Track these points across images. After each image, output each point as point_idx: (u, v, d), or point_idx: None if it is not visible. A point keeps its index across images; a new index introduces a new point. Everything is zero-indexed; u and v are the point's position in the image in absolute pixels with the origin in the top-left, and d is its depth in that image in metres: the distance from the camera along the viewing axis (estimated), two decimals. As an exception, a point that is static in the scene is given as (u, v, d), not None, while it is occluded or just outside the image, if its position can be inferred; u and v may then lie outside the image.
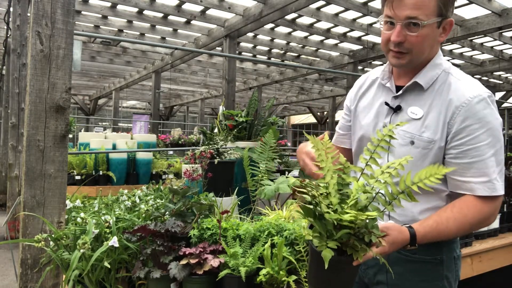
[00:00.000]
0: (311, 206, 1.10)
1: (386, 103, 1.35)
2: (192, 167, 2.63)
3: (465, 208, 1.21)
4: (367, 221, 1.07)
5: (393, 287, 1.35)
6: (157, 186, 3.53)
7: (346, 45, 8.57)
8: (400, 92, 1.33)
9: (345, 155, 1.48)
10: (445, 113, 1.24)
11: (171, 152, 9.33)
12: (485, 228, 3.22)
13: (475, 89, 1.24)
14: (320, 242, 1.05)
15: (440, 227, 1.19)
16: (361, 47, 8.38)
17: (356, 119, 1.47)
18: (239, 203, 2.55)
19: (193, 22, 7.14)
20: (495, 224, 3.31)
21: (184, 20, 7.06)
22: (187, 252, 1.84)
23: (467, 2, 5.91)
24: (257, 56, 9.16)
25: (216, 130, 3.39)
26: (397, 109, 1.32)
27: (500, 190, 1.20)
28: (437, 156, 1.26)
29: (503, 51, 8.75)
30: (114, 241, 1.86)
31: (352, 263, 1.05)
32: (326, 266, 1.00)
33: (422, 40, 1.25)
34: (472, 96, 1.23)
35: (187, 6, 6.49)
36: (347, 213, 1.01)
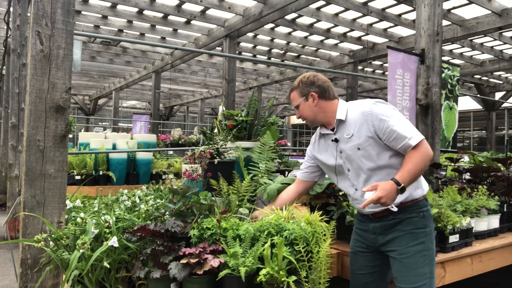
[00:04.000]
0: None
1: (333, 140, 2.16)
2: (192, 167, 2.63)
3: (411, 155, 1.97)
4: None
5: (396, 238, 2.04)
6: (157, 186, 3.53)
7: (346, 45, 8.57)
8: (333, 131, 2.16)
9: (303, 185, 2.44)
10: (364, 123, 2.02)
11: (171, 152, 9.33)
12: (485, 228, 3.21)
13: (365, 103, 2.09)
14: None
15: (407, 168, 1.92)
16: (361, 47, 8.38)
17: (317, 159, 2.33)
18: (239, 203, 2.54)
19: (193, 22, 7.14)
20: (495, 224, 3.31)
21: (184, 20, 7.06)
22: (187, 252, 1.84)
23: (467, 2, 5.91)
24: (257, 56, 9.17)
25: (216, 130, 3.39)
26: (337, 141, 2.14)
27: (415, 139, 1.94)
28: (377, 144, 2.01)
29: (503, 51, 8.75)
30: (113, 241, 1.86)
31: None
32: None
33: (302, 112, 2.23)
34: (367, 107, 2.04)
35: (187, 6, 6.49)
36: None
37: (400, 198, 1.96)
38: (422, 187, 2.11)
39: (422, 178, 2.13)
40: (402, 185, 1.87)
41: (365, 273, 2.20)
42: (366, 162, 2.04)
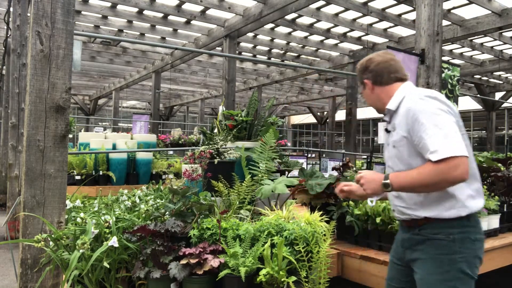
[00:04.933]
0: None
1: (385, 129, 1.98)
2: (192, 167, 2.63)
3: (426, 165, 1.66)
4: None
5: (420, 261, 1.76)
6: (157, 186, 3.53)
7: (346, 45, 8.57)
8: (388, 120, 1.94)
9: None
10: (403, 119, 1.78)
11: (171, 152, 9.33)
12: (485, 228, 3.21)
13: (415, 95, 1.79)
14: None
15: (409, 173, 1.69)
16: (361, 47, 8.37)
17: None
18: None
19: (193, 22, 7.14)
20: (495, 224, 3.31)
21: (184, 20, 7.06)
22: (187, 252, 1.84)
23: (467, 2, 5.91)
24: (257, 56, 9.16)
25: (216, 130, 3.39)
26: (388, 132, 1.94)
27: (438, 154, 1.60)
28: (410, 147, 1.76)
29: (503, 51, 8.75)
30: (113, 241, 1.86)
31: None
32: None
33: (366, 100, 2.06)
34: (413, 102, 1.76)
35: (187, 6, 6.49)
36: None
37: (425, 212, 1.74)
38: (459, 207, 1.70)
39: (466, 196, 1.73)
40: (388, 181, 1.70)
41: (396, 286, 1.94)
42: (398, 162, 1.83)
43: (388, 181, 1.70)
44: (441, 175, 1.60)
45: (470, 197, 1.73)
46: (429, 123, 1.67)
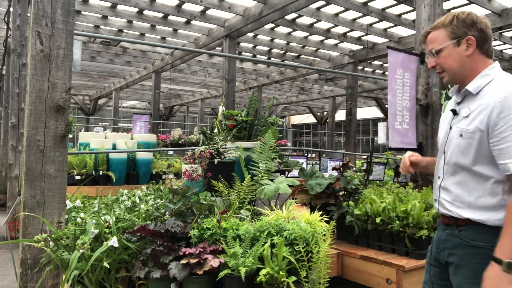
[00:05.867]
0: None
1: (452, 110, 1.70)
2: (192, 167, 2.63)
3: (508, 209, 1.45)
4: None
5: (457, 267, 1.61)
6: (157, 186, 3.53)
7: (346, 45, 8.57)
8: (459, 99, 1.68)
9: None
10: (486, 110, 1.52)
11: (171, 152, 9.33)
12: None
13: (508, 87, 1.52)
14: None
15: (505, 231, 1.43)
16: (361, 47, 8.37)
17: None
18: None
19: (193, 22, 7.14)
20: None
21: (184, 20, 7.06)
22: (187, 252, 1.84)
23: (467, 2, 5.91)
24: (257, 56, 9.16)
25: (216, 130, 3.39)
26: (455, 113, 1.67)
27: None
28: (481, 144, 1.53)
29: (503, 51, 8.75)
30: (113, 241, 1.86)
31: None
32: None
33: (444, 61, 1.66)
34: (507, 93, 1.49)
35: (187, 6, 6.49)
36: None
37: (470, 213, 1.57)
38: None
39: None
40: (507, 260, 1.38)
41: None
42: (459, 154, 1.59)
43: (507, 260, 1.38)
44: None
45: None
46: None
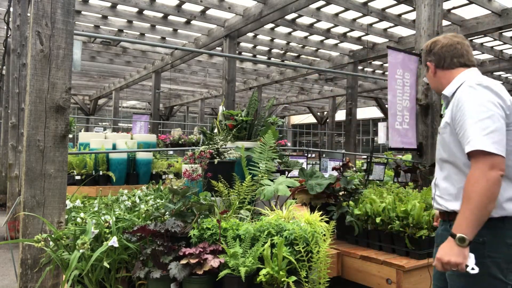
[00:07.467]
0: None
1: (440, 115, 1.98)
2: (192, 167, 2.63)
3: (467, 181, 1.56)
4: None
5: None
6: (157, 186, 3.53)
7: (346, 45, 8.57)
8: (445, 105, 1.87)
9: None
10: (451, 106, 1.72)
11: (171, 152, 9.33)
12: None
13: (468, 83, 1.70)
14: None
15: (461, 211, 1.54)
16: (361, 47, 8.37)
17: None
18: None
19: (193, 22, 7.14)
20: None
21: (184, 20, 7.06)
22: (187, 252, 1.84)
23: (467, 2, 5.91)
24: (257, 56, 9.16)
25: (216, 130, 3.39)
26: (441, 117, 1.88)
27: (471, 144, 1.54)
28: (452, 135, 1.69)
29: (503, 51, 8.75)
30: (113, 241, 1.86)
31: None
32: None
33: (428, 82, 2.00)
34: (464, 87, 1.69)
35: (187, 6, 6.49)
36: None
37: (455, 205, 1.66)
38: (495, 208, 1.56)
39: (506, 199, 1.61)
40: (460, 235, 1.50)
41: (439, 287, 1.82)
42: (441, 150, 1.77)
43: (459, 234, 1.50)
44: (482, 180, 1.49)
45: (510, 200, 1.60)
46: (473, 113, 1.59)
